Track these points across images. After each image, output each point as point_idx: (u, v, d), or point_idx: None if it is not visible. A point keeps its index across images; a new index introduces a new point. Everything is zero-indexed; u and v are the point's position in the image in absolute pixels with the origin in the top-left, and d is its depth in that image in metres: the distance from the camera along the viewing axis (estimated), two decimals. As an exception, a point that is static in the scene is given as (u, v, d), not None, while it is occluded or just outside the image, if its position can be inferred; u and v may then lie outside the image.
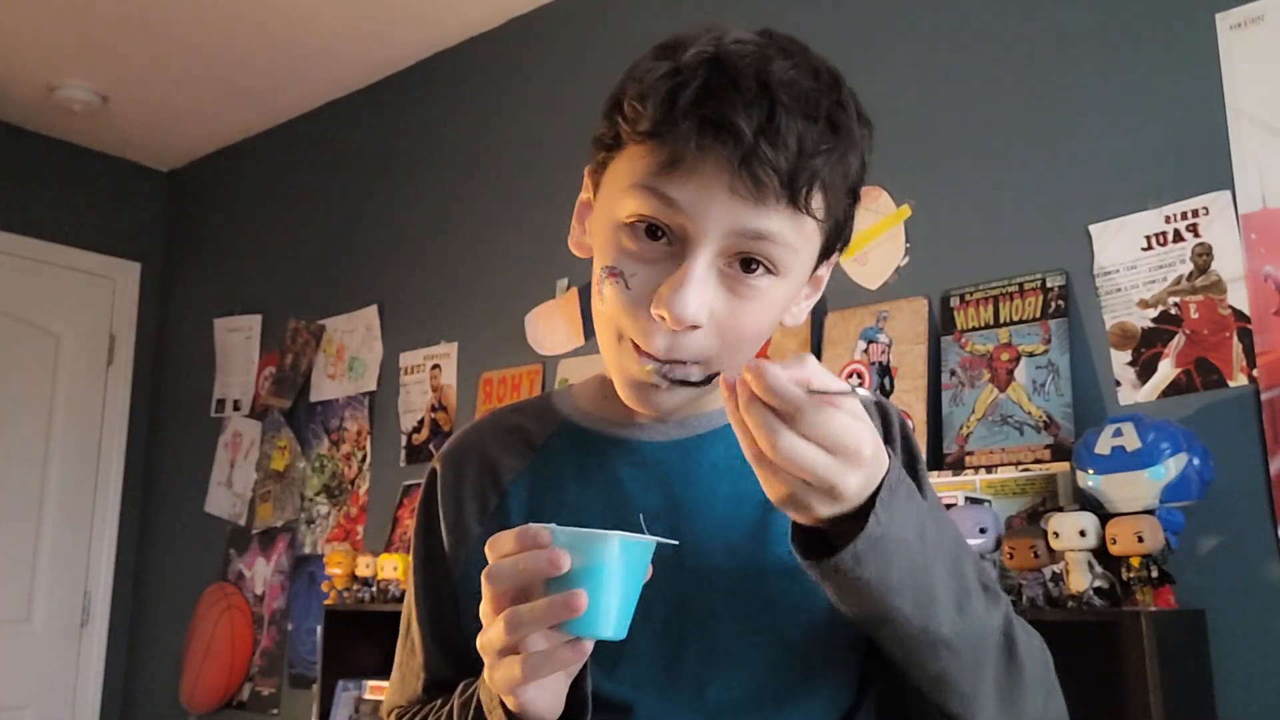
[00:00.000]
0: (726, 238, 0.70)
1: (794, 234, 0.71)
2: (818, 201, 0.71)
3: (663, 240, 0.72)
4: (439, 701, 0.80)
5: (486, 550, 0.65)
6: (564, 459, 0.83)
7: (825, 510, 0.61)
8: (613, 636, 0.65)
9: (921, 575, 0.65)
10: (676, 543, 0.68)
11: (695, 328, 0.71)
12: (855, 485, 0.60)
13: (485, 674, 0.67)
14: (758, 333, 0.74)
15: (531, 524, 0.64)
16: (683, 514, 0.78)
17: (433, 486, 0.87)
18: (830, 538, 0.65)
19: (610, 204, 0.75)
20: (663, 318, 0.70)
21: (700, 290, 0.70)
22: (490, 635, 0.64)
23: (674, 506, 0.79)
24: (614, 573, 0.63)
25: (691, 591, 0.76)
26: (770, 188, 0.68)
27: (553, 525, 0.64)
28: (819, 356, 2.18)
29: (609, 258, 0.74)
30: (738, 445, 0.78)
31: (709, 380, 0.74)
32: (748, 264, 0.71)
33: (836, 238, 0.77)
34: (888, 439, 0.83)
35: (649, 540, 0.65)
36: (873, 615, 0.66)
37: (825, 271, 0.81)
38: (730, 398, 0.61)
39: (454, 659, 0.84)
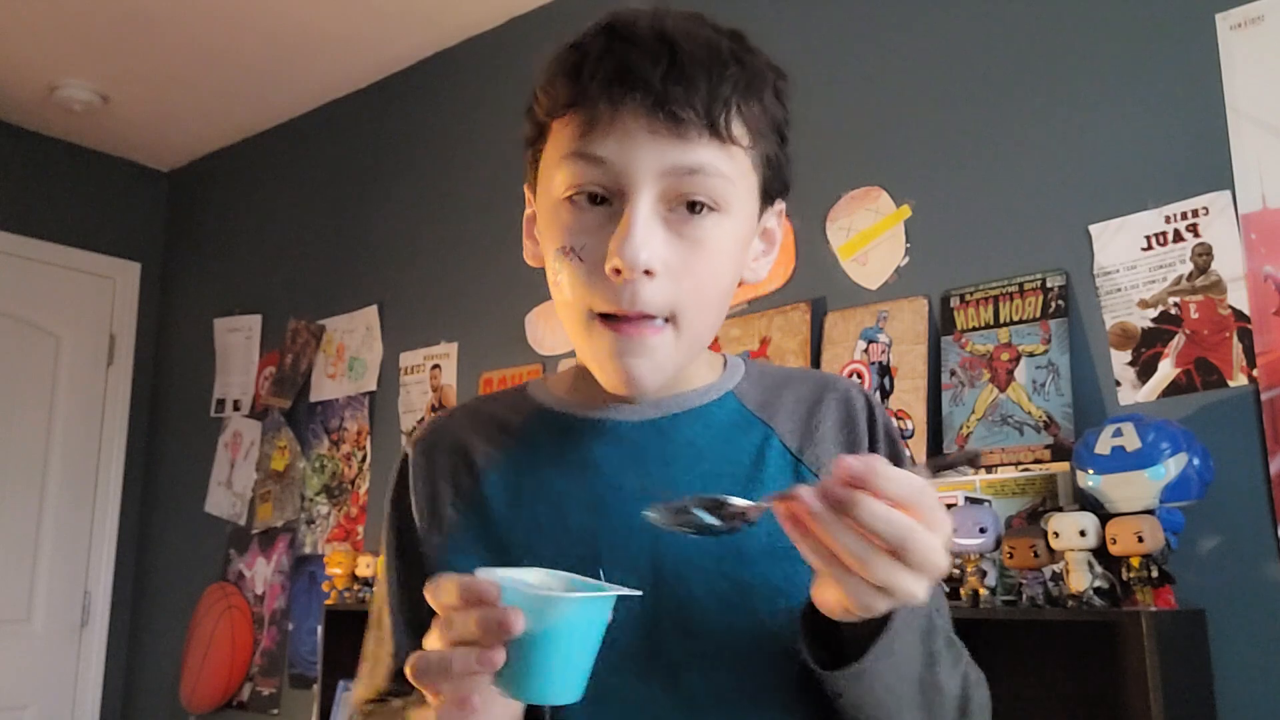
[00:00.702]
0: (660, 180, 0.71)
1: (726, 164, 0.73)
2: (739, 129, 0.73)
3: (603, 205, 0.73)
4: (413, 696, 0.77)
5: (428, 594, 0.63)
6: (539, 443, 0.83)
7: (882, 606, 0.60)
8: (566, 700, 0.61)
9: (899, 684, 0.68)
10: (639, 593, 0.64)
11: (649, 274, 0.71)
12: (910, 584, 0.59)
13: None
14: (717, 280, 0.75)
15: (479, 576, 0.61)
16: (659, 493, 0.74)
17: (404, 474, 0.86)
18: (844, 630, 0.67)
19: (547, 190, 0.77)
20: (617, 270, 0.71)
21: (645, 233, 0.71)
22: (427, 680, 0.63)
23: (650, 485, 0.78)
24: (568, 635, 0.59)
25: (668, 575, 0.75)
26: (689, 121, 0.70)
27: (502, 577, 0.61)
28: (819, 356, 2.18)
29: (558, 240, 0.75)
30: (714, 423, 0.82)
31: (678, 334, 0.75)
32: (691, 207, 0.73)
33: (775, 179, 0.79)
34: (872, 437, 0.84)
35: (608, 596, 0.61)
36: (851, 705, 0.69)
37: (775, 225, 0.83)
38: (796, 516, 0.59)
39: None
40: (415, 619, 0.82)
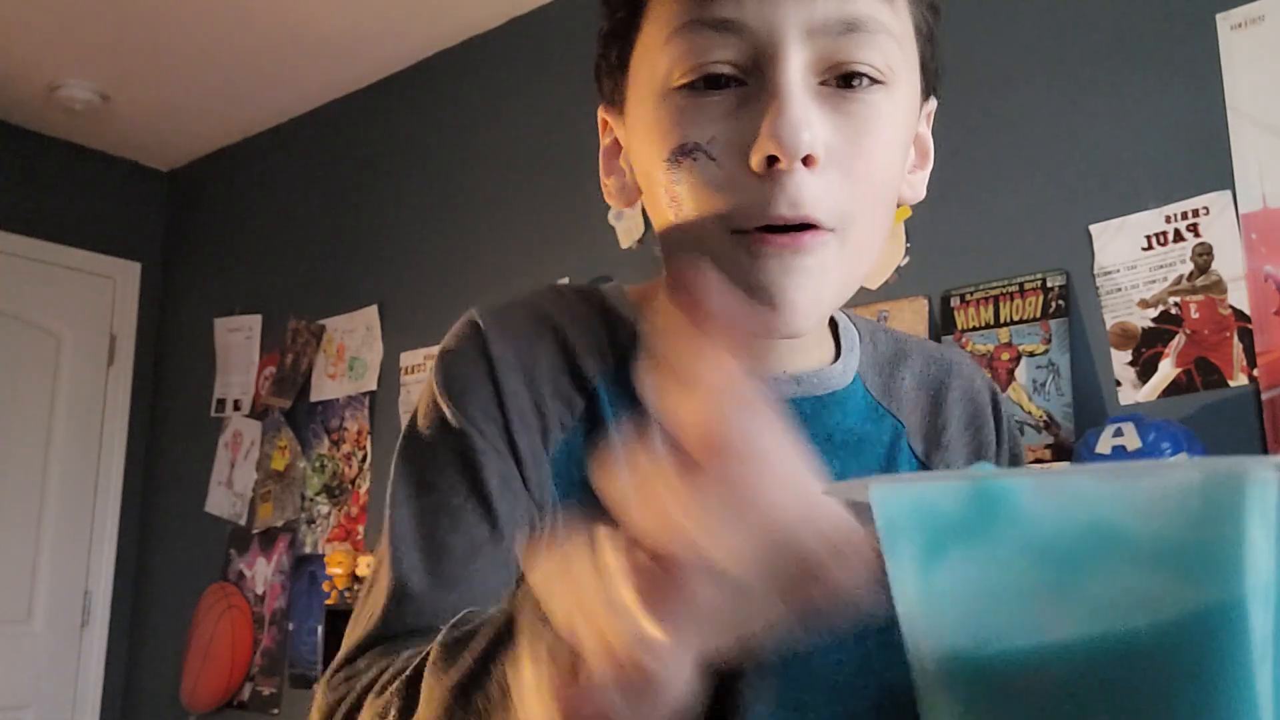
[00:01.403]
0: (811, 40, 0.54)
1: (890, 19, 0.57)
2: None
3: (732, 87, 0.55)
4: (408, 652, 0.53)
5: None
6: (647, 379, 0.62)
7: None
8: None
9: None
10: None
11: (810, 162, 0.53)
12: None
13: (588, 610, 0.37)
14: (889, 170, 0.59)
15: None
16: None
17: (485, 355, 0.61)
18: None
19: (649, 85, 0.58)
20: (771, 159, 0.53)
21: (805, 107, 0.53)
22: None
23: None
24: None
25: None
26: None
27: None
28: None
29: (674, 138, 0.56)
30: (850, 413, 0.64)
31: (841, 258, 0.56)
32: (847, 80, 0.56)
33: (932, 61, 0.64)
34: (998, 441, 0.70)
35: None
36: None
37: (927, 129, 0.67)
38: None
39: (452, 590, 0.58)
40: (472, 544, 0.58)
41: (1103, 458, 1.62)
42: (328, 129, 3.54)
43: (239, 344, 3.61)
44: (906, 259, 2.12)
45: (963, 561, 0.37)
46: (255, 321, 3.59)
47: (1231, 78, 1.77)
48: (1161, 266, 1.80)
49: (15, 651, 3.50)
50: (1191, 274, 1.77)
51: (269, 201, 3.71)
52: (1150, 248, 1.82)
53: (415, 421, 0.63)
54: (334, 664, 0.58)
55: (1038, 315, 1.90)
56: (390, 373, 3.11)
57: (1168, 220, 1.80)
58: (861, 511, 0.40)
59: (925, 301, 2.05)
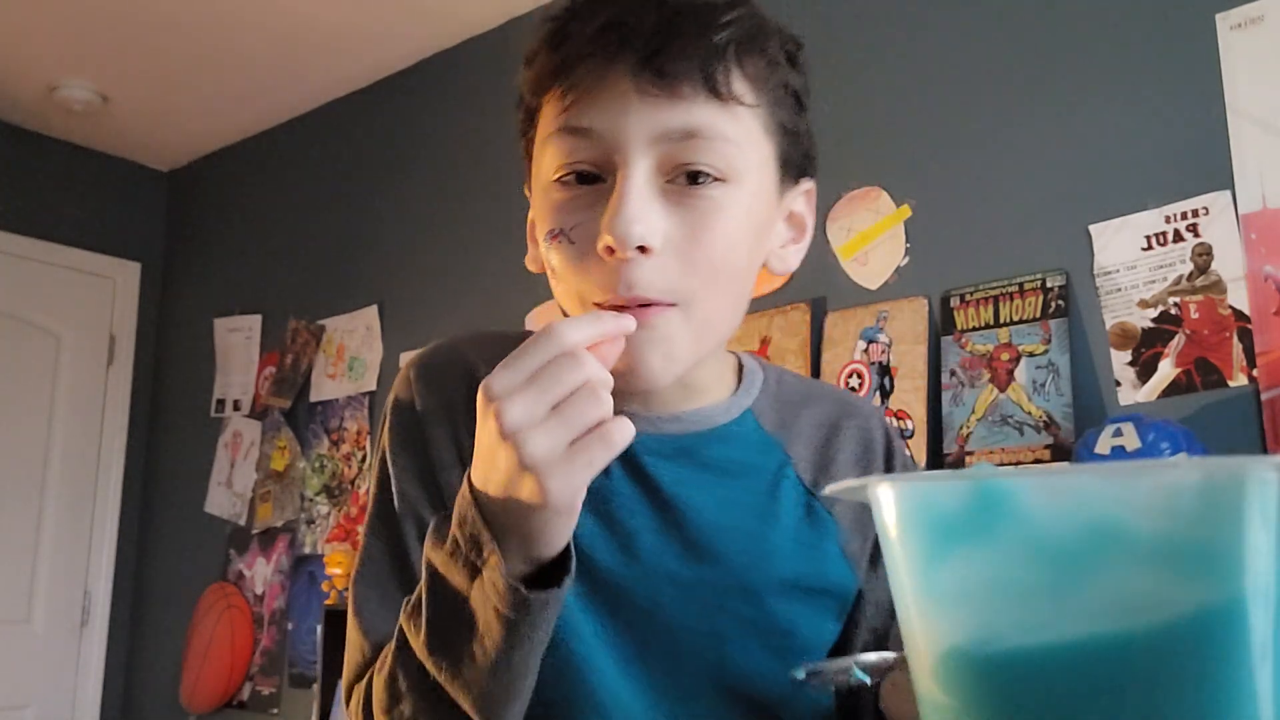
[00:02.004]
0: (654, 146, 0.63)
1: (729, 126, 0.64)
2: (741, 85, 0.65)
3: (595, 183, 0.65)
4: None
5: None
6: None
7: None
8: None
9: None
10: None
11: (645, 250, 0.62)
12: None
13: (511, 453, 0.54)
14: (730, 258, 0.66)
15: None
16: (672, 515, 0.71)
17: (410, 408, 0.73)
18: None
19: (537, 176, 0.69)
20: (610, 249, 0.62)
21: (640, 204, 0.62)
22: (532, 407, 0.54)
23: (663, 506, 0.71)
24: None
25: (672, 601, 0.69)
26: (683, 77, 0.63)
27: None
28: (819, 357, 2.18)
29: (547, 223, 0.67)
30: (735, 445, 0.74)
31: (683, 317, 0.65)
32: (692, 177, 0.64)
33: (795, 150, 0.71)
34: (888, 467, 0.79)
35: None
36: None
37: (805, 209, 0.74)
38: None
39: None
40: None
41: (1102, 458, 1.63)
42: (328, 129, 3.54)
43: (239, 344, 3.62)
44: (906, 259, 2.12)
45: (964, 561, 0.37)
46: (255, 321, 3.59)
47: (1231, 78, 1.77)
48: (1161, 266, 1.80)
49: (15, 651, 3.50)
50: (1191, 274, 1.77)
51: (269, 201, 3.71)
52: (1150, 248, 1.82)
53: (381, 453, 0.75)
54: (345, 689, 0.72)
55: (1037, 315, 1.90)
56: (390, 373, 3.11)
57: (1167, 220, 1.80)
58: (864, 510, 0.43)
59: (925, 301, 2.05)
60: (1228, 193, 1.75)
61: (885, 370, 2.07)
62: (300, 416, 3.34)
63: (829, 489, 0.47)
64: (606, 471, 0.69)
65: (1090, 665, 0.35)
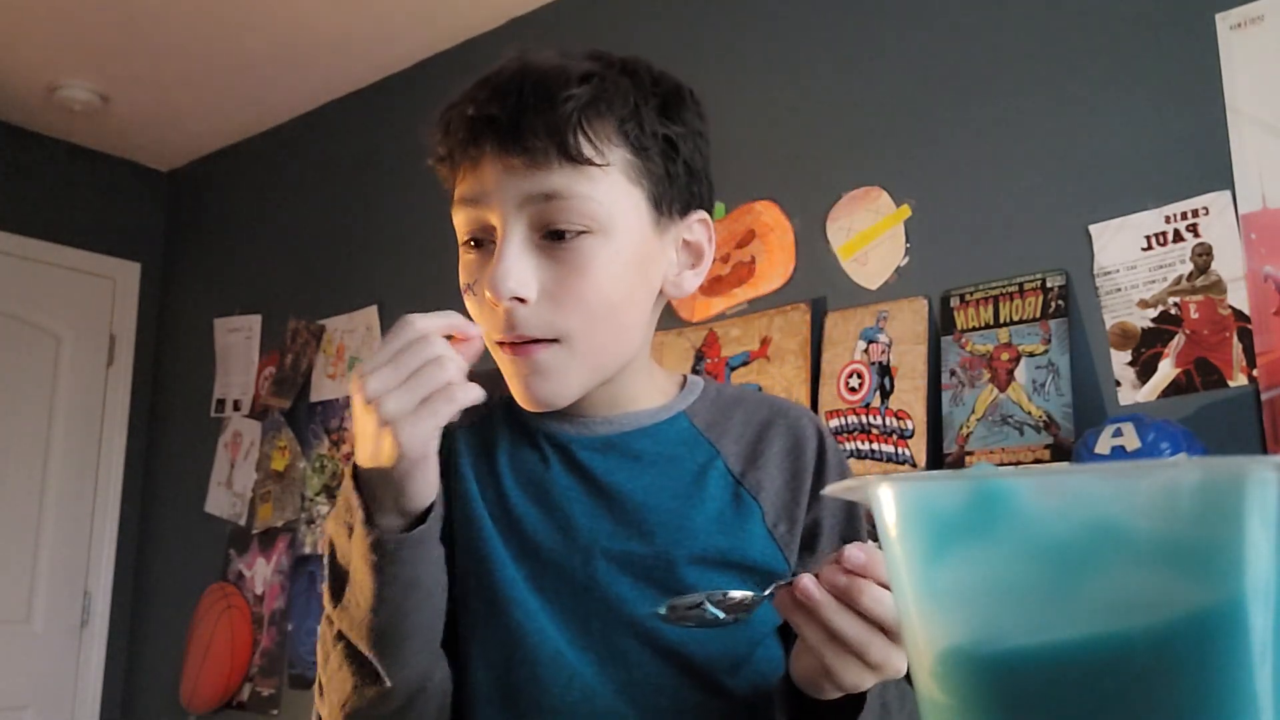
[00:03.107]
0: (520, 209, 0.74)
1: (586, 186, 0.74)
2: (591, 148, 0.74)
3: (486, 246, 0.78)
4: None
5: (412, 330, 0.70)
6: (500, 428, 0.86)
7: (868, 682, 0.64)
8: None
9: None
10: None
11: (523, 300, 0.74)
12: (899, 661, 0.62)
13: (371, 415, 0.68)
14: (602, 298, 0.76)
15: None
16: (604, 499, 0.81)
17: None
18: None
19: (459, 239, 0.81)
20: (494, 302, 0.75)
21: (511, 263, 0.74)
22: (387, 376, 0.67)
23: (596, 492, 0.81)
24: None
25: (598, 567, 0.79)
26: (536, 148, 0.73)
27: None
28: (819, 357, 2.18)
29: (462, 278, 0.80)
30: (662, 439, 0.84)
31: (560, 345, 0.77)
32: (559, 234, 0.74)
33: (669, 191, 0.79)
34: (820, 470, 0.86)
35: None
36: None
37: (701, 237, 0.83)
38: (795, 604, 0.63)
39: None
40: None
41: (1102, 458, 1.63)
42: (328, 129, 3.54)
43: (239, 344, 3.62)
44: (906, 259, 2.12)
45: (964, 560, 0.37)
46: (255, 321, 3.59)
47: (1231, 78, 1.77)
48: (1161, 267, 1.80)
49: (15, 651, 3.50)
50: (1191, 274, 1.77)
51: (269, 201, 3.71)
52: (1150, 248, 1.82)
53: None
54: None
55: (1037, 315, 1.90)
56: (390, 373, 3.11)
57: (1167, 220, 1.80)
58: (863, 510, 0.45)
59: (925, 302, 2.05)
60: (1228, 193, 1.75)
61: (885, 370, 2.07)
62: (300, 416, 3.34)
63: (828, 489, 0.49)
64: (546, 463, 0.82)
65: (1090, 665, 0.35)
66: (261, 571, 3.32)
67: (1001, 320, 1.94)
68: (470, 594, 0.80)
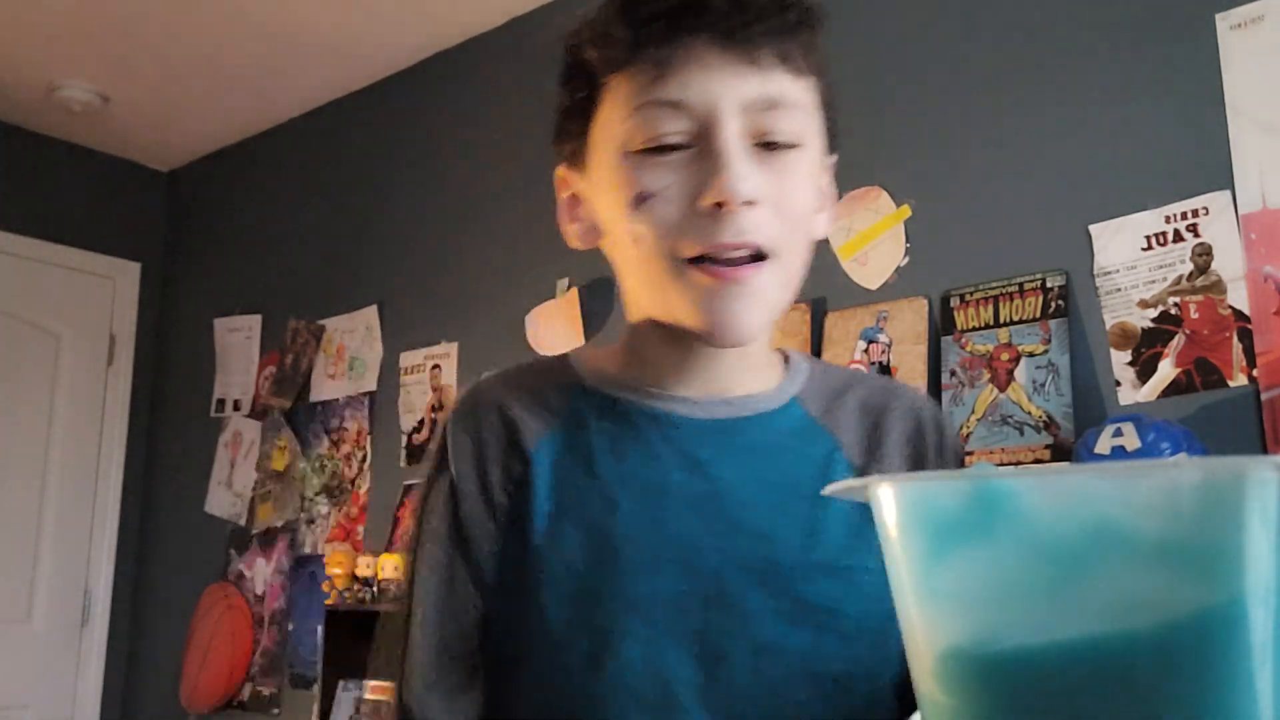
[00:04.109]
0: (743, 114, 0.68)
1: (801, 95, 0.71)
2: (805, 61, 0.72)
3: (680, 150, 0.69)
4: None
5: None
6: (593, 427, 0.75)
7: None
8: None
9: None
10: None
11: (751, 203, 0.67)
12: None
13: None
14: (806, 217, 0.72)
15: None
16: (721, 500, 0.72)
17: (443, 448, 0.77)
18: None
19: (608, 150, 0.72)
20: (718, 204, 0.67)
21: (744, 163, 0.67)
22: None
23: (712, 491, 0.72)
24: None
25: (727, 581, 0.70)
26: (764, 49, 0.69)
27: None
28: (819, 357, 2.18)
29: (633, 189, 0.70)
30: (780, 431, 0.76)
31: (771, 273, 0.70)
32: (769, 146, 0.70)
33: (833, 125, 0.76)
34: (940, 458, 0.79)
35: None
36: None
37: (828, 180, 0.78)
38: None
39: (451, 672, 0.74)
40: (454, 625, 0.74)
41: (1102, 458, 1.63)
42: (328, 129, 3.54)
43: (239, 344, 3.62)
44: (906, 259, 2.12)
45: (964, 560, 0.37)
46: (255, 321, 3.59)
47: (1231, 78, 1.77)
48: (1161, 267, 1.80)
49: (15, 651, 3.50)
50: (1191, 274, 1.77)
51: (269, 201, 3.71)
52: (1150, 248, 1.82)
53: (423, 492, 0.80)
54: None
55: (1037, 315, 1.90)
56: (390, 373, 3.11)
57: (1167, 220, 1.80)
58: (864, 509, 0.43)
59: (925, 302, 2.05)
60: (1228, 193, 1.75)
61: (885, 370, 2.07)
62: (300, 416, 3.34)
63: (827, 489, 0.47)
64: (652, 446, 0.74)
65: (1090, 665, 0.35)
66: (261, 571, 3.32)
67: (1001, 320, 1.94)
68: (566, 626, 0.70)
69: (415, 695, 0.74)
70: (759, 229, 0.68)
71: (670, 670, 0.69)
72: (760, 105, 0.69)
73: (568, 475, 0.74)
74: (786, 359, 0.82)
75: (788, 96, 0.70)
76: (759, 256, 0.69)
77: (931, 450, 0.78)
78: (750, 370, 0.77)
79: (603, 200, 0.74)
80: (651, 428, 0.75)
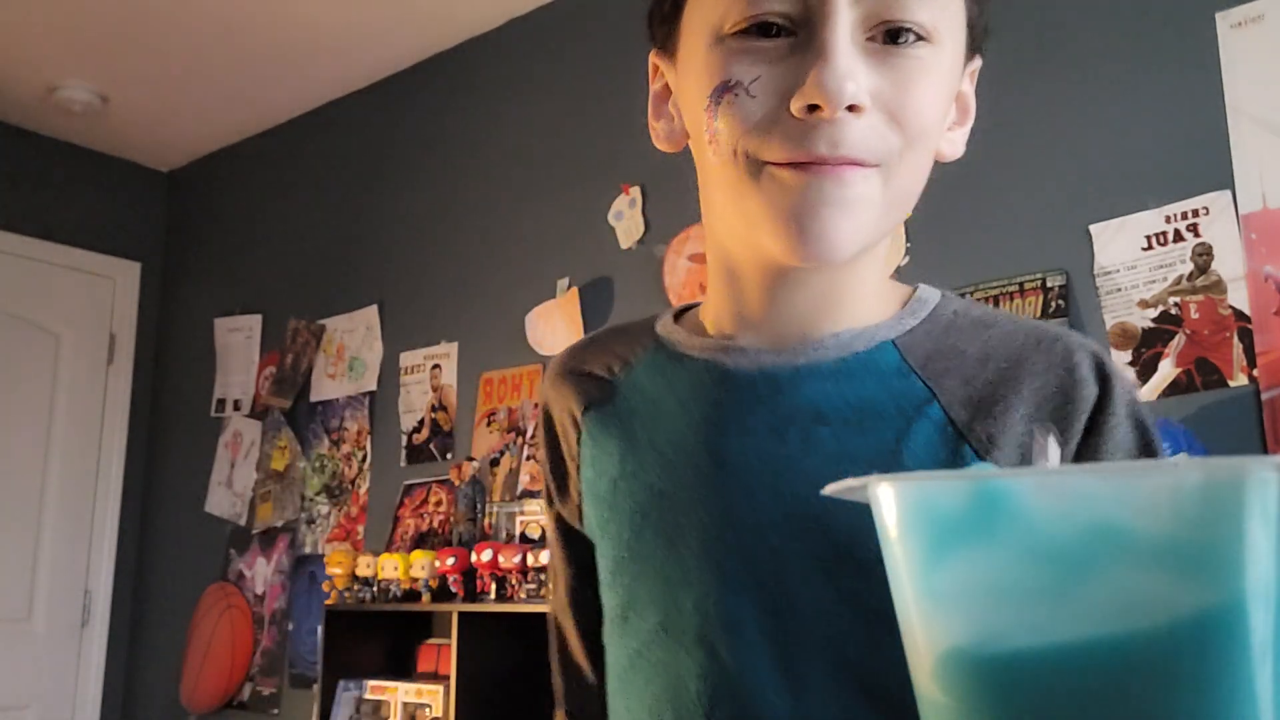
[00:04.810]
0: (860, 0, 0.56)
1: None
2: None
3: (783, 36, 0.57)
4: None
5: None
6: (645, 384, 0.68)
7: None
8: None
9: None
10: None
11: (855, 109, 0.56)
12: None
13: None
14: (930, 126, 0.59)
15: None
16: (775, 472, 0.62)
17: (544, 411, 0.76)
18: None
19: (702, 32, 0.60)
20: (814, 107, 0.55)
21: (849, 60, 0.55)
22: None
23: (764, 462, 0.62)
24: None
25: (781, 553, 0.60)
26: None
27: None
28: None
29: (718, 77, 0.58)
30: (854, 380, 0.63)
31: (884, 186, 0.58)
32: (894, 35, 0.57)
33: (979, 22, 0.64)
34: (1098, 424, 0.62)
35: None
36: None
37: (969, 88, 0.67)
38: None
39: (588, 635, 0.72)
40: (577, 571, 0.73)
41: (1103, 458, 1.62)
42: (328, 129, 3.54)
43: (239, 344, 3.62)
44: (906, 259, 2.12)
45: (964, 561, 0.37)
46: (255, 321, 3.59)
47: (1231, 78, 1.77)
48: (1161, 266, 1.80)
49: (15, 651, 3.50)
50: (1191, 274, 1.77)
51: (269, 201, 3.71)
52: (1150, 248, 1.82)
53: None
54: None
55: (1038, 315, 1.90)
56: (390, 373, 3.11)
57: (1168, 220, 1.80)
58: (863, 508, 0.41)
59: (925, 301, 2.05)
60: (1228, 193, 1.75)
61: (885, 370, 2.06)
62: (300, 416, 3.34)
63: (827, 489, 0.43)
64: (696, 401, 0.65)
65: (1090, 666, 0.35)
66: (262, 571, 3.32)
67: (1001, 320, 1.94)
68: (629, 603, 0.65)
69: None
70: (863, 142, 0.56)
71: (728, 608, 0.61)
72: None
73: (615, 440, 0.67)
74: (915, 293, 0.69)
75: None
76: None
77: (1082, 413, 0.61)
78: (838, 309, 0.65)
79: (689, 91, 0.62)
80: (701, 382, 0.66)
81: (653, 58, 0.69)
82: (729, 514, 0.62)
